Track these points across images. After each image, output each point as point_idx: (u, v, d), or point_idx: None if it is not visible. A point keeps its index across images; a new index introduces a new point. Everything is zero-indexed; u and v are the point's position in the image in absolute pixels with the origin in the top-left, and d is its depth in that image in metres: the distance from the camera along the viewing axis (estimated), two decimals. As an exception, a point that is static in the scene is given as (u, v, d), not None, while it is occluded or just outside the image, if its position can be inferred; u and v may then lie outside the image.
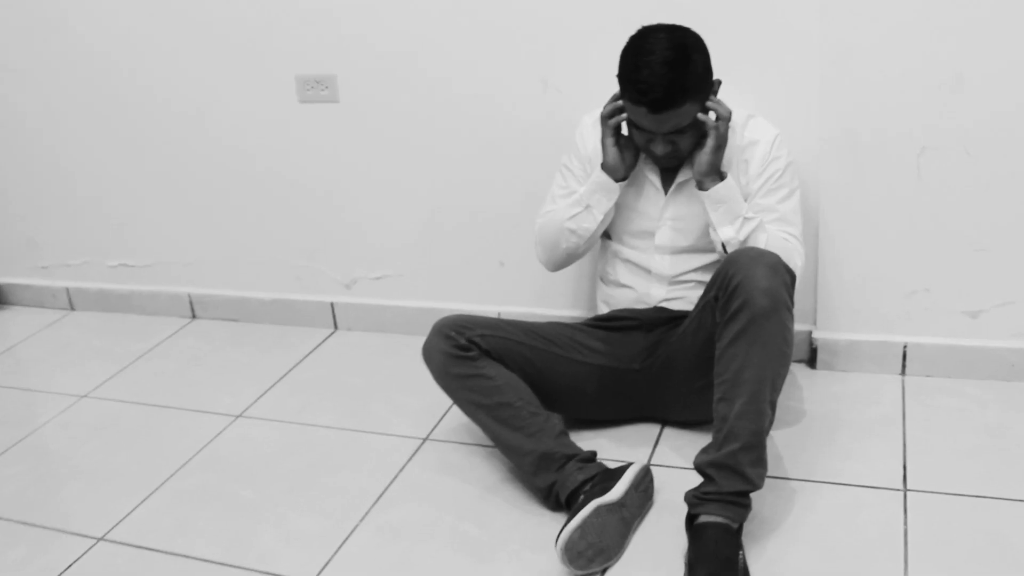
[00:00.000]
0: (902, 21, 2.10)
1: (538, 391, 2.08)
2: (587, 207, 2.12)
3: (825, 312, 2.38)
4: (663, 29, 1.94)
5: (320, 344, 2.90)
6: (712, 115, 1.97)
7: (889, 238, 2.27)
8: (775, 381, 1.81)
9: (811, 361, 2.45)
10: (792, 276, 1.85)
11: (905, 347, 2.35)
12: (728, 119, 1.97)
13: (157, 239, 3.09)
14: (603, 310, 2.29)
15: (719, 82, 2.00)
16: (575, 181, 2.20)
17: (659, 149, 2.00)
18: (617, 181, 2.08)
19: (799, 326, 2.32)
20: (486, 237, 2.68)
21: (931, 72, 2.11)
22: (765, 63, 2.25)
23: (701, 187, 2.02)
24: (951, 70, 2.09)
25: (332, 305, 2.94)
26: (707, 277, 2.12)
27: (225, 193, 2.93)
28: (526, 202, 2.53)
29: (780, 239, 2.02)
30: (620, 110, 2.00)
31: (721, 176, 2.01)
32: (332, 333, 2.97)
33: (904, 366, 2.37)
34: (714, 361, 1.85)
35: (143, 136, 2.94)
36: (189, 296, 3.12)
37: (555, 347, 2.14)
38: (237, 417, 2.53)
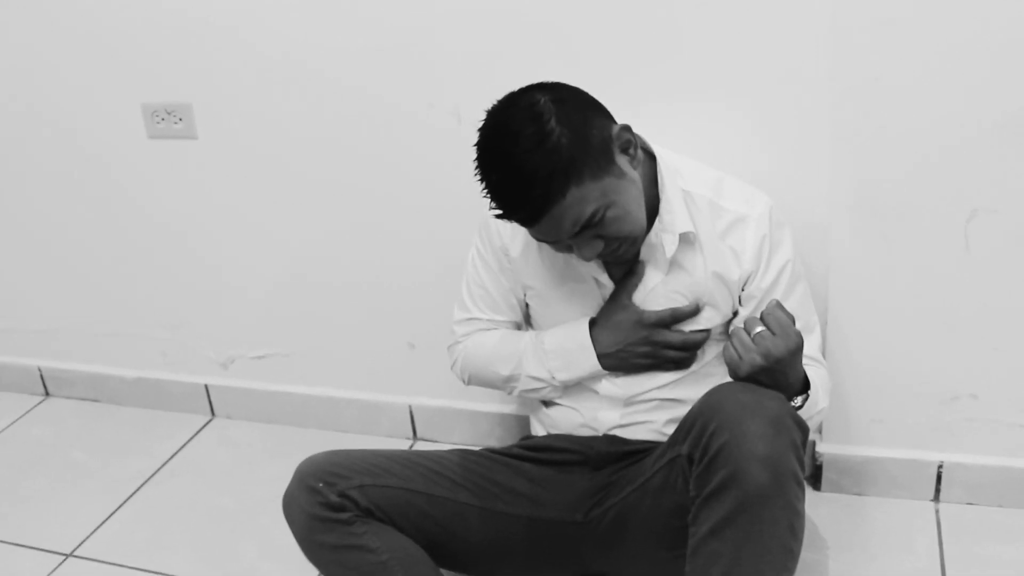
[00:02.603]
0: (949, 41, 1.49)
1: (445, 551, 1.51)
2: (552, 384, 1.59)
3: (834, 420, 1.79)
4: (509, 104, 1.37)
5: (190, 439, 2.29)
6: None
7: (923, 329, 1.68)
8: (776, 592, 1.22)
9: (814, 480, 1.86)
10: (804, 431, 1.25)
11: (940, 467, 1.77)
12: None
13: (4, 298, 2.48)
14: (537, 431, 1.69)
15: (625, 129, 1.39)
16: (492, 280, 1.62)
17: (584, 253, 1.41)
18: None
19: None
20: (391, 312, 2.08)
21: (988, 105, 1.51)
22: (751, 97, 1.64)
23: None
24: (1018, 102, 1.49)
25: (207, 387, 2.33)
26: (676, 394, 1.54)
27: (79, 247, 2.32)
28: (441, 269, 1.93)
29: (817, 375, 1.47)
30: None
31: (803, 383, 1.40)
32: (208, 421, 2.36)
33: (938, 491, 1.79)
34: (687, 552, 1.25)
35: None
36: (40, 370, 2.51)
37: (466, 494, 1.54)
38: (66, 558, 1.94)
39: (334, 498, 1.45)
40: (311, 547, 1.48)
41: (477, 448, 2.03)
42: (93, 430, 2.36)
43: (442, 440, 2.16)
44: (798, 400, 1.36)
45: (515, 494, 1.56)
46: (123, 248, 2.26)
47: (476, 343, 1.66)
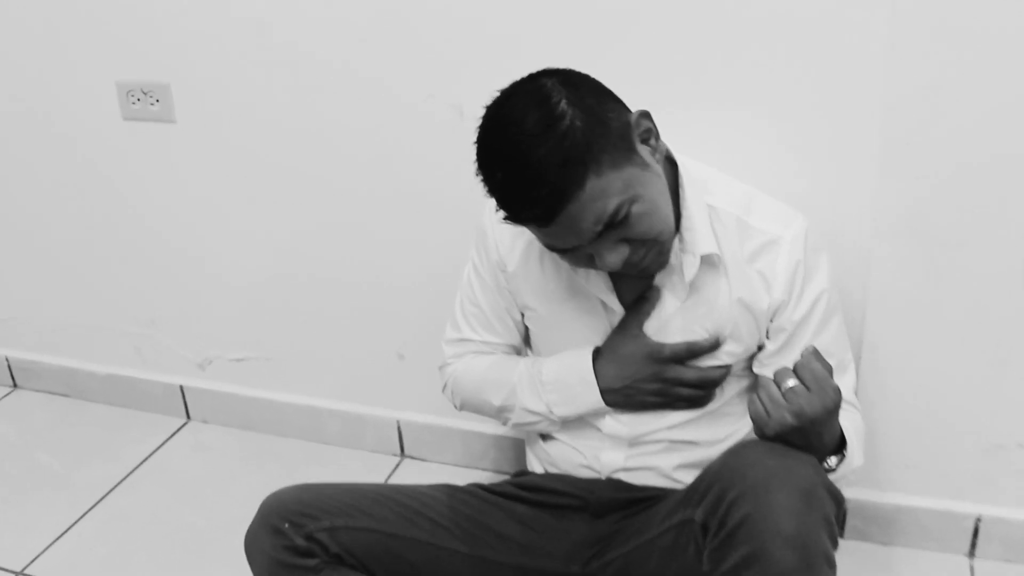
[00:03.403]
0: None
1: (424, 601, 1.33)
2: (549, 419, 1.41)
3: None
4: (511, 91, 1.18)
5: (162, 444, 2.12)
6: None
7: (970, 370, 1.51)
8: None
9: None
10: (839, 502, 1.08)
11: (978, 520, 1.60)
12: None
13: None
14: (534, 467, 1.51)
15: (644, 116, 1.21)
16: (487, 298, 1.44)
17: (608, 260, 1.21)
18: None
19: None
20: (380, 318, 1.90)
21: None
22: (784, 104, 1.45)
23: None
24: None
25: (182, 389, 2.16)
26: (689, 435, 1.37)
27: (50, 232, 2.15)
28: (436, 275, 1.76)
29: (853, 427, 1.29)
30: None
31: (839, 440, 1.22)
32: (183, 425, 2.19)
33: (974, 545, 1.62)
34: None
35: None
36: (7, 360, 2.34)
37: (450, 538, 1.37)
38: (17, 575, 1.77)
39: (300, 541, 1.29)
40: (273, 595, 1.32)
41: (466, 476, 1.91)
42: (60, 429, 2.20)
43: (431, 459, 1.99)
44: (832, 461, 1.18)
45: (505, 540, 1.39)
46: (96, 235, 2.09)
47: (466, 367, 1.49)
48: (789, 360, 1.29)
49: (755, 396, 1.13)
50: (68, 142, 2.00)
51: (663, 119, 1.25)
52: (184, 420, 2.20)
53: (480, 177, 1.17)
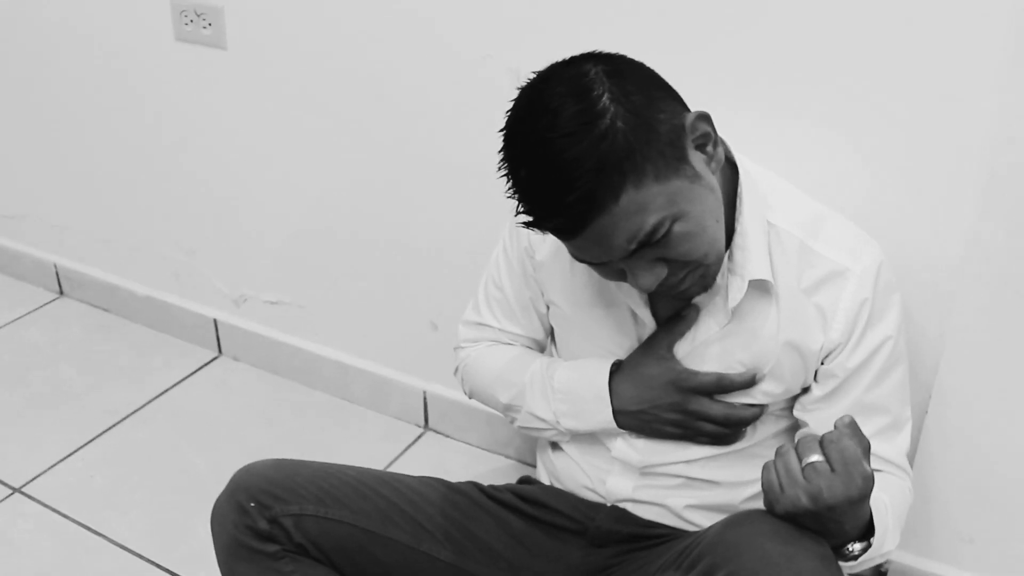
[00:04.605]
0: None
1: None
2: (556, 429, 1.27)
3: (915, 526, 1.43)
4: (549, 74, 1.01)
5: (188, 376, 2.06)
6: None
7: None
8: None
9: (875, 586, 1.51)
10: None
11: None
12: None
13: (23, 187, 2.27)
14: (542, 476, 1.37)
15: (702, 119, 1.03)
16: (512, 285, 1.31)
17: (642, 281, 1.05)
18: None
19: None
20: (417, 285, 1.78)
21: None
22: (862, 113, 1.25)
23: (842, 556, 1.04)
24: None
25: (215, 322, 2.09)
26: (709, 474, 1.22)
27: (98, 147, 2.07)
28: (475, 248, 1.63)
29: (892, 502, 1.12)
30: None
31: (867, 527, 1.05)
32: (214, 359, 2.12)
33: (1026, 636, 1.42)
34: None
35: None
36: (56, 267, 2.31)
37: (432, 543, 1.25)
38: (13, 492, 1.74)
39: (263, 524, 1.18)
40: (228, 574, 1.22)
41: (488, 461, 1.79)
42: (92, 344, 2.16)
43: (454, 436, 1.87)
44: (855, 548, 1.01)
45: (492, 554, 1.26)
46: (141, 155, 2.01)
47: (479, 355, 1.36)
48: (834, 411, 1.13)
49: (771, 464, 0.97)
50: (120, 58, 1.91)
51: (730, 119, 1.07)
52: (216, 354, 2.13)
53: (502, 171, 1.02)
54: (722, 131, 1.08)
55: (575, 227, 0.99)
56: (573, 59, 1.03)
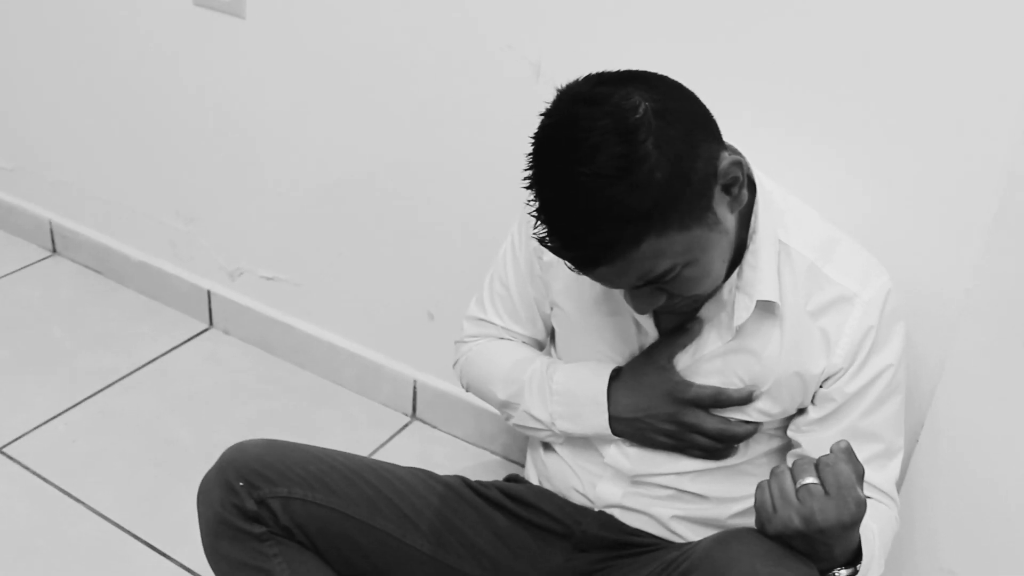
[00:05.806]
0: None
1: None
2: (551, 430, 1.27)
3: (897, 556, 1.42)
4: (594, 96, 0.98)
5: (178, 346, 2.04)
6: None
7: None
8: None
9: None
10: None
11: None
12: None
13: (20, 139, 2.24)
14: (531, 475, 1.37)
15: (736, 165, 1.02)
16: (518, 284, 1.30)
17: (639, 305, 1.06)
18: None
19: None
20: (416, 273, 1.77)
21: None
22: (873, 137, 1.25)
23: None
24: None
25: (209, 294, 2.07)
26: (700, 488, 1.22)
27: (105, 106, 2.05)
28: (480, 241, 1.62)
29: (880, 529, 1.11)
30: None
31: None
32: (204, 331, 2.10)
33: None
34: None
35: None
36: (50, 224, 2.28)
37: (416, 535, 1.25)
38: (-7, 451, 1.72)
39: (250, 505, 1.18)
40: (212, 554, 1.22)
41: (473, 455, 1.79)
42: (83, 306, 2.14)
43: (441, 427, 1.87)
44: (842, 573, 1.02)
45: (474, 550, 1.26)
46: (151, 118, 1.99)
47: (480, 351, 1.35)
48: (829, 435, 1.13)
49: (765, 483, 0.97)
50: (138, 17, 1.89)
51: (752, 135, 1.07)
52: (206, 326, 2.11)
53: (526, 184, 1.01)
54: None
55: (588, 265, 1.01)
56: (621, 79, 1.01)
